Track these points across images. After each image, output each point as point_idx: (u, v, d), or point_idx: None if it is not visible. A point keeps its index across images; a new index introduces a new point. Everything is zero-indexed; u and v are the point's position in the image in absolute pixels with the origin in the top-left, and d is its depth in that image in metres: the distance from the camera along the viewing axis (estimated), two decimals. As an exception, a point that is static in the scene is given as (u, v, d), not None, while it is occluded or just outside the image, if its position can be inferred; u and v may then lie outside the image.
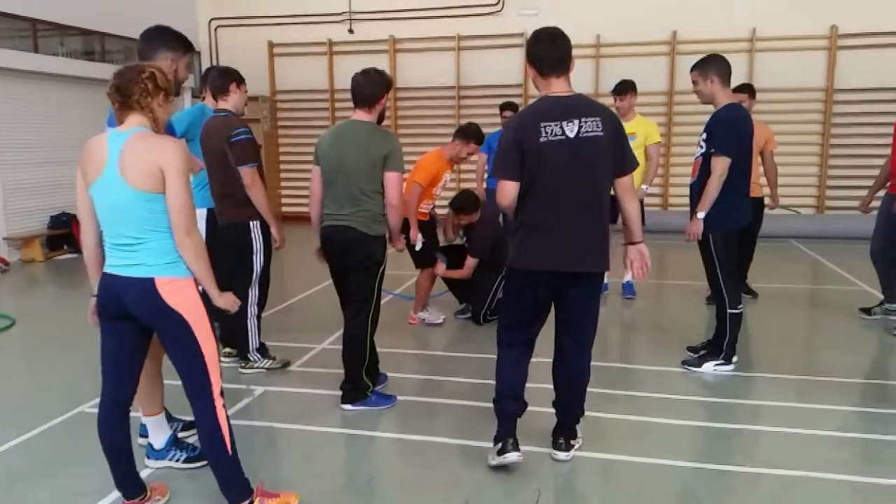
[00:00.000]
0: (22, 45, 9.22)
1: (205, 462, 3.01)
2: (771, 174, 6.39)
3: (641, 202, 5.81)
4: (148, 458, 3.30)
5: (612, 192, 3.19)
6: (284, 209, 12.27)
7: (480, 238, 5.66)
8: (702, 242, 4.44)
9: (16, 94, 8.99)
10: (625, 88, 6.18)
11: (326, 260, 4.02)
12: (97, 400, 2.80)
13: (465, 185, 10.19)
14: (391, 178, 3.79)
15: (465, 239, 5.98)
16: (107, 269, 2.64)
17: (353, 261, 3.85)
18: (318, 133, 12.97)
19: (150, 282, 2.57)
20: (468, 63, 11.70)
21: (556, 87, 3.09)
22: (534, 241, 3.10)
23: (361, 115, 3.87)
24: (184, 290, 2.63)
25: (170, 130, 3.21)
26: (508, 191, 3.08)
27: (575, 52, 3.22)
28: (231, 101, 4.40)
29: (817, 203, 10.81)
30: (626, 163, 3.13)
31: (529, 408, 3.35)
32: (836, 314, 6.08)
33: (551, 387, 3.40)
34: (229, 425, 2.77)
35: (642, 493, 3.09)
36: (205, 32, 12.47)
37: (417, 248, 5.34)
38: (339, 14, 11.99)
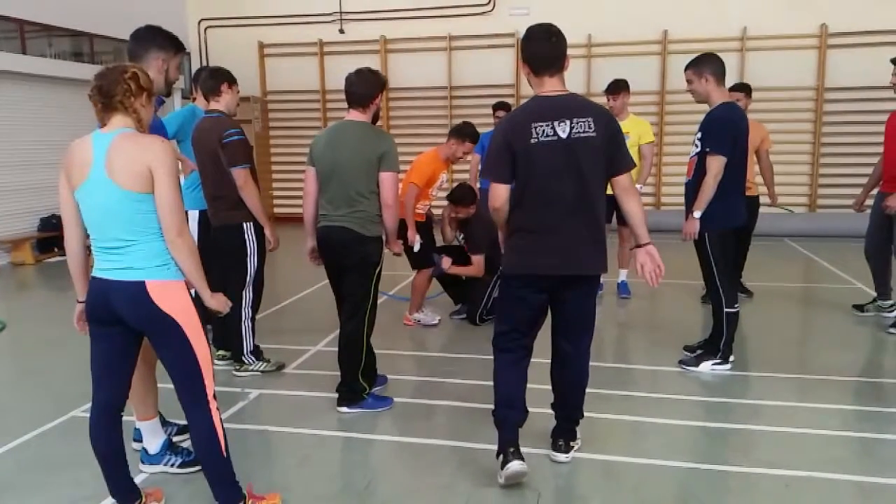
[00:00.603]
0: (9, 47, 9.13)
1: (200, 467, 2.97)
2: (767, 173, 6.40)
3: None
4: (142, 462, 3.27)
5: (607, 192, 3.10)
6: (276, 210, 12.22)
7: (478, 234, 5.63)
8: (698, 242, 4.43)
9: (3, 96, 8.90)
10: (618, 88, 6.17)
11: (322, 261, 3.99)
12: (90, 404, 2.75)
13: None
14: (386, 178, 3.77)
15: (462, 237, 5.93)
16: (95, 274, 2.59)
17: (349, 262, 3.82)
18: (309, 134, 12.95)
19: (140, 285, 2.53)
20: (459, 63, 11.68)
21: (550, 86, 3.02)
22: (529, 245, 3.04)
23: (356, 116, 3.84)
24: (175, 293, 2.59)
25: (161, 131, 3.17)
26: (499, 194, 3.03)
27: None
28: (223, 102, 4.36)
29: (809, 202, 10.85)
30: (621, 162, 3.03)
31: (528, 409, 3.29)
32: (831, 312, 6.09)
33: (549, 387, 3.38)
34: (223, 429, 2.74)
35: (642, 495, 3.07)
36: (194, 33, 12.40)
37: (416, 249, 5.31)
38: (330, 14, 11.94)
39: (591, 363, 3.33)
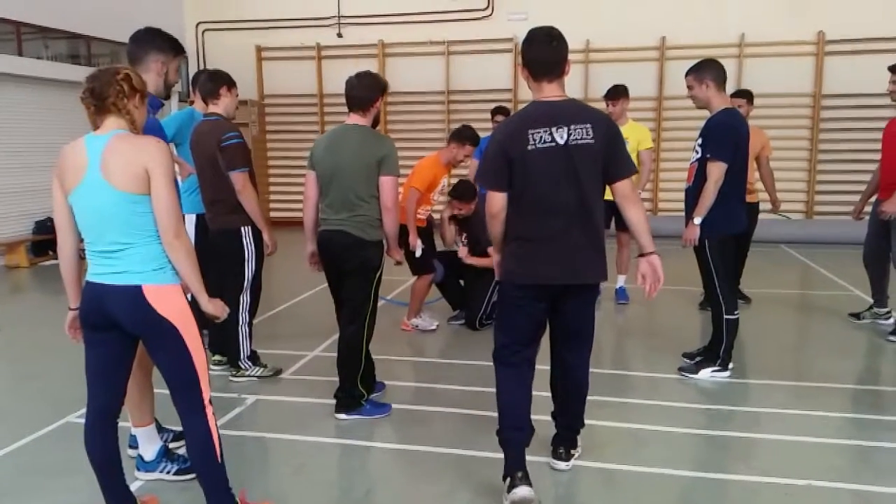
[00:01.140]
0: (5, 49, 9.08)
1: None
2: (768, 179, 6.41)
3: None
4: (138, 469, 3.23)
5: (606, 197, 3.02)
6: (273, 214, 12.18)
7: (481, 230, 5.60)
8: (698, 248, 4.41)
9: (-1, 98, 8.87)
10: (617, 93, 6.17)
11: (322, 265, 3.96)
12: (85, 409, 2.72)
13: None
14: (386, 181, 3.75)
15: (464, 238, 5.88)
16: (90, 278, 2.56)
17: (350, 266, 3.80)
18: (306, 138, 12.93)
19: (137, 289, 2.50)
20: (457, 68, 11.67)
21: (549, 91, 2.94)
22: (528, 253, 2.95)
23: (356, 119, 3.82)
24: (172, 296, 2.56)
25: (160, 133, 3.14)
26: (496, 201, 2.96)
27: (565, 56, 3.07)
28: (222, 105, 4.34)
29: (806, 208, 10.86)
30: (621, 168, 2.95)
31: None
32: (828, 319, 6.08)
33: (549, 394, 3.35)
34: (219, 435, 2.71)
35: None
36: (192, 36, 12.36)
37: (417, 254, 5.28)
38: (328, 18, 11.92)
39: (590, 370, 3.29)
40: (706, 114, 4.47)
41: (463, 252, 5.67)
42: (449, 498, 3.10)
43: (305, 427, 3.83)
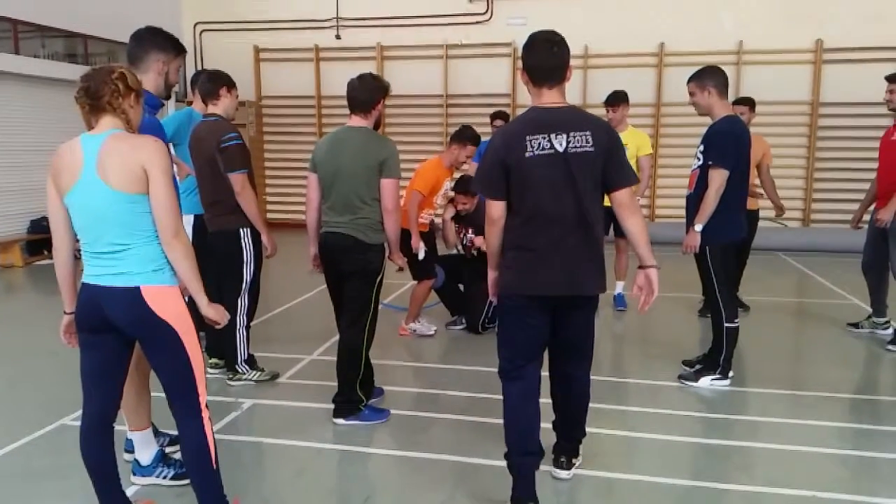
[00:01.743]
0: (2, 47, 9.02)
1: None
2: (769, 186, 6.41)
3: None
4: (134, 474, 3.19)
5: (605, 203, 2.96)
6: (269, 216, 12.13)
7: (483, 220, 5.55)
8: (699, 255, 4.40)
9: (-5, 96, 8.81)
10: (617, 100, 6.16)
11: (322, 267, 3.92)
12: (80, 412, 2.67)
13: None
14: (387, 184, 3.72)
15: (470, 231, 5.84)
16: (86, 280, 2.51)
17: (350, 269, 3.77)
18: (304, 140, 12.87)
19: (135, 291, 2.46)
20: (456, 71, 11.66)
21: (548, 98, 2.86)
22: (528, 264, 2.86)
23: (357, 121, 3.79)
24: (171, 298, 2.53)
25: (160, 132, 3.09)
26: (494, 210, 2.89)
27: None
28: (221, 106, 4.30)
29: (803, 216, 10.87)
30: (620, 176, 2.86)
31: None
32: (826, 327, 6.07)
33: (548, 400, 3.31)
34: (214, 440, 2.68)
35: (645, 513, 3.04)
36: (190, 36, 12.30)
37: (420, 256, 5.24)
38: (327, 20, 11.90)
39: (590, 379, 3.24)
40: (704, 120, 4.45)
41: (479, 241, 5.53)
42: (449, 506, 3.06)
43: (303, 432, 3.79)
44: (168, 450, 3.37)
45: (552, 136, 2.78)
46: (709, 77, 4.35)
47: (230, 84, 4.32)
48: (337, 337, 4.02)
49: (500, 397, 3.04)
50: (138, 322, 2.49)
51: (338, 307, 3.96)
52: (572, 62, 2.97)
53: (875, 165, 5.75)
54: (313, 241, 3.95)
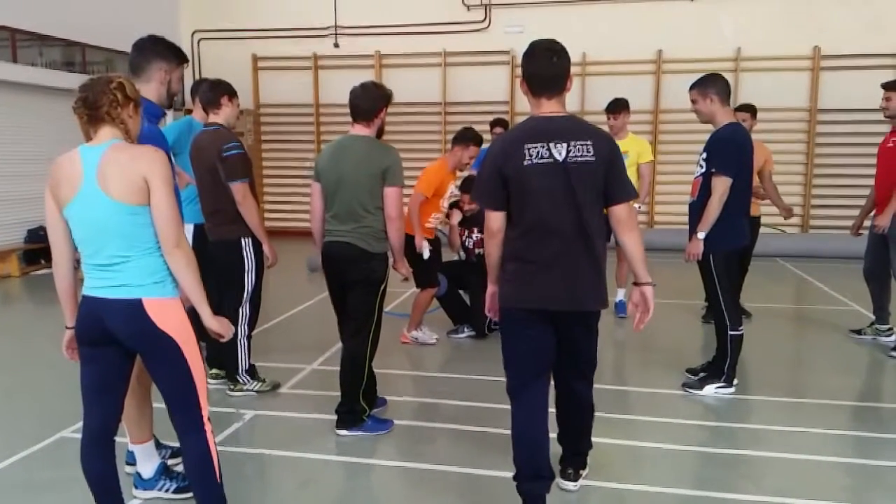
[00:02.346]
0: (0, 55, 8.99)
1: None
2: (772, 192, 6.42)
3: (635, 220, 5.78)
4: (136, 487, 3.14)
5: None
6: (267, 223, 12.07)
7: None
8: (702, 263, 4.38)
9: (-7, 105, 8.77)
10: (618, 107, 6.15)
11: (325, 276, 3.89)
12: (80, 424, 2.64)
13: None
14: (391, 192, 3.70)
15: (474, 232, 5.82)
16: (87, 292, 2.48)
17: (353, 278, 3.74)
18: (302, 148, 12.84)
19: (137, 303, 2.43)
20: (454, 79, 11.66)
21: (548, 107, 2.80)
22: (529, 276, 2.79)
23: (360, 130, 3.77)
24: (173, 310, 2.50)
25: (162, 141, 3.06)
26: (493, 221, 2.82)
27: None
28: (222, 115, 4.28)
29: (802, 222, 10.87)
30: (620, 191, 2.79)
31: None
32: (829, 334, 6.05)
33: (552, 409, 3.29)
34: (217, 453, 2.64)
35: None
36: (187, 45, 12.28)
37: (425, 256, 5.21)
38: (325, 28, 11.90)
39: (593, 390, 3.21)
40: (702, 127, 4.44)
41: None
42: (455, 518, 3.03)
43: (306, 443, 3.75)
44: (170, 462, 3.33)
45: (551, 144, 2.72)
46: (711, 84, 4.34)
47: (231, 93, 4.30)
48: (338, 346, 3.99)
49: (504, 406, 3.02)
50: (139, 335, 2.46)
51: (340, 316, 3.92)
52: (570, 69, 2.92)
53: (874, 172, 5.75)
54: (320, 249, 3.92)
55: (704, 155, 4.36)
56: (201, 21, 12.31)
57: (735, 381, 4.52)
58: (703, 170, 4.34)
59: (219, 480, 2.63)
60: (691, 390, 4.53)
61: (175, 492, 3.13)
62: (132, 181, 2.37)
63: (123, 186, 2.36)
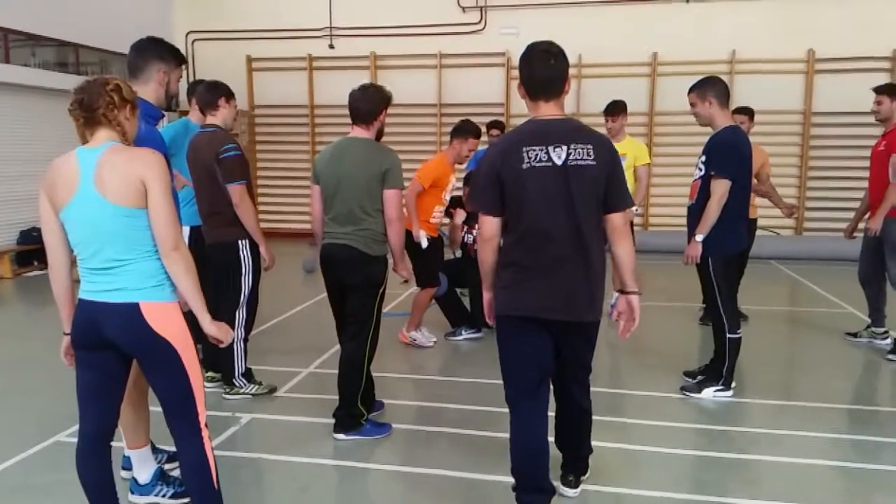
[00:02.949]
0: (-8, 56, 8.95)
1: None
2: (772, 194, 6.45)
3: (631, 224, 5.77)
4: (132, 493, 3.12)
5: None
6: (261, 225, 12.01)
7: None
8: (701, 266, 4.38)
9: (-15, 106, 8.71)
10: (616, 109, 6.15)
11: (324, 279, 3.87)
12: (75, 428, 2.61)
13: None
14: (390, 195, 3.69)
15: (469, 235, 5.82)
16: (83, 296, 2.45)
17: (352, 281, 3.72)
18: (296, 149, 12.79)
19: (134, 307, 2.40)
20: (449, 81, 11.65)
21: (546, 111, 2.76)
22: (525, 283, 2.74)
23: (360, 132, 3.76)
24: (171, 315, 2.47)
25: (161, 144, 3.03)
26: (489, 225, 2.77)
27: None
28: (220, 117, 4.25)
29: (796, 224, 10.90)
30: (617, 198, 2.75)
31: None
32: (824, 336, 6.06)
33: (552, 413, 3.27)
34: (214, 459, 2.62)
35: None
36: (181, 46, 12.22)
37: (423, 245, 5.20)
38: (320, 29, 11.87)
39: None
40: (698, 129, 4.43)
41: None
42: (455, 523, 3.01)
43: (303, 448, 3.72)
44: (166, 467, 3.30)
45: (550, 148, 2.67)
46: (710, 87, 4.34)
47: (229, 94, 4.27)
48: (335, 348, 3.97)
49: (503, 410, 2.99)
50: (137, 340, 2.43)
51: (339, 319, 3.90)
52: (566, 72, 2.88)
53: (867, 174, 5.77)
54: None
55: (703, 157, 4.36)
56: (195, 22, 12.27)
57: (733, 385, 4.52)
58: (702, 172, 4.33)
59: (216, 486, 2.61)
60: (689, 394, 4.52)
61: (172, 497, 3.10)
62: (130, 184, 2.34)
63: (121, 189, 2.34)
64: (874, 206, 5.49)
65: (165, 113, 3.25)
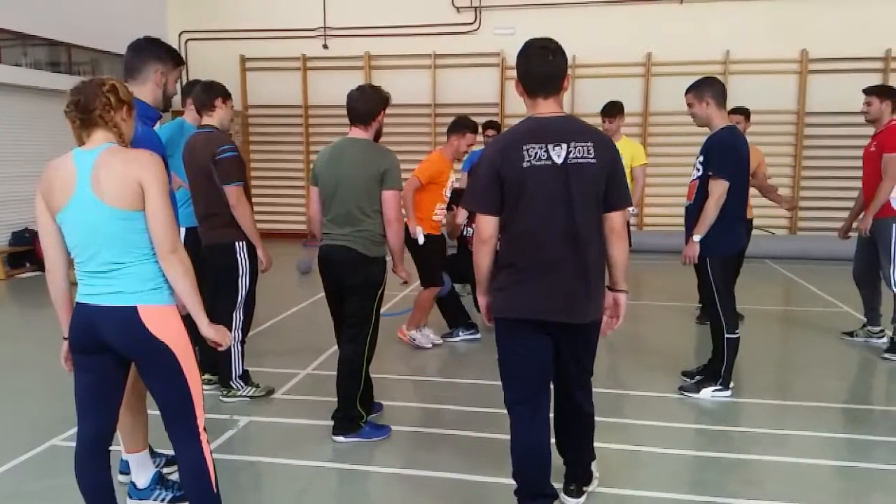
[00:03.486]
0: (-17, 56, 8.88)
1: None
2: (771, 192, 6.48)
3: (627, 223, 5.76)
4: (130, 497, 3.09)
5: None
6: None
7: None
8: (699, 266, 4.38)
9: (-24, 106, 8.65)
10: (614, 110, 6.16)
11: (322, 281, 3.85)
12: (71, 431, 2.59)
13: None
14: (389, 195, 3.67)
15: (469, 229, 5.83)
16: (80, 299, 2.42)
17: (351, 283, 3.70)
18: (290, 149, 12.74)
19: (132, 310, 2.37)
20: (444, 81, 11.63)
21: (544, 108, 2.71)
22: (524, 284, 2.69)
23: (358, 133, 3.74)
24: (169, 318, 2.44)
25: (158, 145, 2.99)
26: (486, 226, 2.72)
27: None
28: (216, 117, 4.22)
29: (790, 224, 10.94)
30: (618, 198, 2.72)
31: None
32: (820, 336, 6.08)
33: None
34: (213, 462, 2.60)
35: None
36: (175, 45, 12.12)
37: (420, 241, 5.19)
38: (314, 29, 11.83)
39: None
40: (692, 129, 4.43)
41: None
42: (456, 526, 3.00)
43: (301, 450, 3.70)
44: (165, 470, 3.28)
45: (550, 146, 2.63)
46: (707, 88, 4.34)
47: (225, 95, 4.25)
48: (332, 350, 3.95)
49: (502, 411, 2.98)
50: (135, 343, 2.41)
51: (337, 321, 3.88)
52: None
53: (860, 174, 5.79)
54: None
55: (701, 158, 4.36)
56: (189, 21, 12.21)
57: (731, 385, 4.52)
58: (700, 173, 4.34)
59: (215, 490, 2.59)
60: (687, 394, 4.52)
61: (171, 501, 3.08)
62: (127, 186, 2.32)
63: (118, 191, 2.32)
64: (867, 206, 5.51)
65: (162, 114, 3.21)
